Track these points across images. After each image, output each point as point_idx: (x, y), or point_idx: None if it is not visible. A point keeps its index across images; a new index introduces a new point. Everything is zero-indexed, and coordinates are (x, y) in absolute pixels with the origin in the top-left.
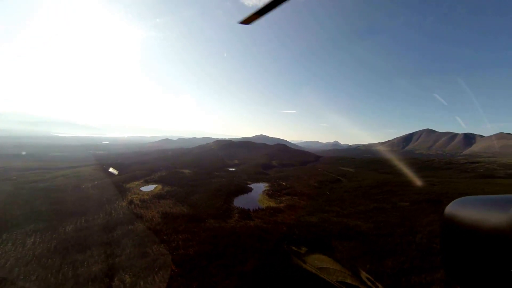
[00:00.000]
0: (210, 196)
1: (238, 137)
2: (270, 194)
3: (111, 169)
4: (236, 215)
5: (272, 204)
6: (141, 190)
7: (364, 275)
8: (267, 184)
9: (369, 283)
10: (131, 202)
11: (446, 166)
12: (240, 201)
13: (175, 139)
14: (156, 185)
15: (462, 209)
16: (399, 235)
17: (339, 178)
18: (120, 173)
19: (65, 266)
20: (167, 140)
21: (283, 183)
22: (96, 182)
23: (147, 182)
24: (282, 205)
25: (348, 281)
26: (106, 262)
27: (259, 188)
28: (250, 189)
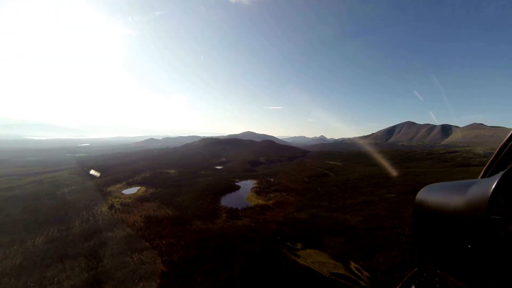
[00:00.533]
0: (197, 196)
1: (225, 135)
2: (258, 191)
3: (92, 172)
4: (224, 215)
5: (261, 201)
6: (123, 194)
7: (352, 265)
8: (255, 181)
9: (357, 272)
10: (111, 206)
11: (427, 156)
12: (227, 200)
13: (160, 138)
14: (140, 187)
15: (429, 194)
16: (388, 228)
17: (327, 172)
18: (101, 176)
19: (31, 286)
20: (152, 140)
21: (271, 180)
22: (73, 187)
23: (129, 185)
24: (270, 202)
25: (340, 271)
26: (80, 277)
27: (247, 185)
28: (238, 187)
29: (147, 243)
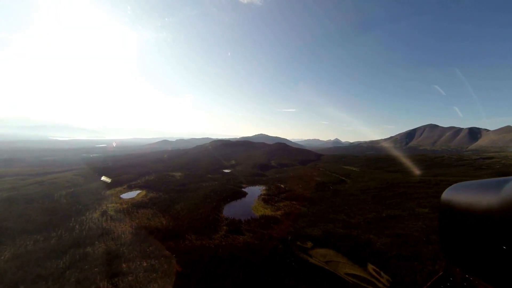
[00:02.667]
0: (198, 203)
1: (238, 137)
2: (266, 199)
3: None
4: (224, 227)
5: (268, 211)
6: (121, 198)
7: (370, 267)
8: (263, 188)
9: (375, 274)
10: (104, 213)
11: (457, 162)
12: (231, 209)
13: (174, 140)
14: (140, 191)
15: (457, 194)
16: (429, 257)
17: (343, 178)
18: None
19: None
20: (165, 141)
21: (282, 186)
22: (72, 190)
23: (130, 188)
24: (279, 212)
25: (356, 273)
26: None
27: (254, 192)
28: (245, 194)
29: (124, 265)
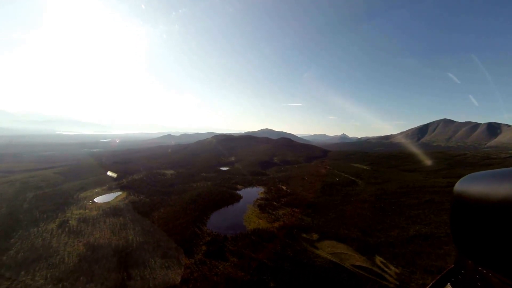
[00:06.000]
0: (180, 210)
1: (243, 132)
2: (263, 205)
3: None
4: (203, 248)
5: (263, 223)
6: (94, 202)
7: (378, 259)
8: (262, 190)
9: (383, 266)
10: (63, 223)
11: (484, 161)
12: (218, 219)
13: (178, 135)
14: (121, 193)
15: (471, 184)
16: None
17: (354, 179)
18: (82, 178)
19: None
20: (169, 136)
21: (283, 187)
22: (42, 192)
23: (111, 189)
24: (276, 224)
25: (363, 264)
26: None
27: (251, 195)
28: (239, 198)
29: None
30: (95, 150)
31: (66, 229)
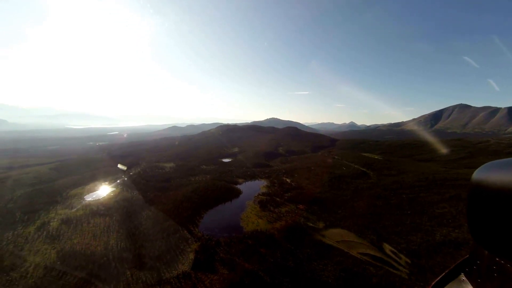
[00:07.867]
0: (173, 208)
1: (249, 122)
2: (264, 201)
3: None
4: (191, 255)
5: (263, 223)
6: (84, 200)
7: (387, 247)
8: (264, 183)
9: (393, 255)
10: (43, 225)
11: (510, 149)
12: (213, 218)
13: (184, 126)
14: (114, 189)
15: (491, 173)
16: None
17: (365, 170)
18: (78, 173)
19: None
20: (175, 128)
21: (287, 180)
22: (32, 189)
23: (105, 185)
24: (277, 225)
25: (371, 252)
26: None
27: (252, 189)
28: (238, 193)
29: None
30: (101, 143)
31: (44, 232)
